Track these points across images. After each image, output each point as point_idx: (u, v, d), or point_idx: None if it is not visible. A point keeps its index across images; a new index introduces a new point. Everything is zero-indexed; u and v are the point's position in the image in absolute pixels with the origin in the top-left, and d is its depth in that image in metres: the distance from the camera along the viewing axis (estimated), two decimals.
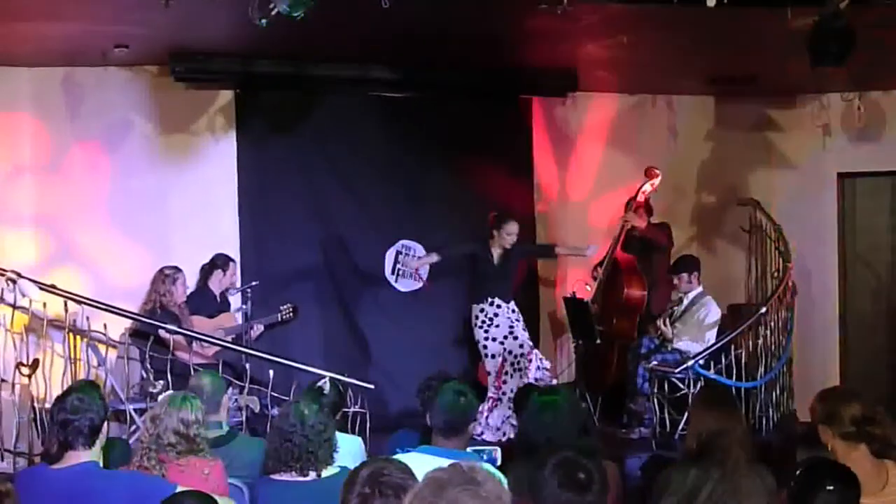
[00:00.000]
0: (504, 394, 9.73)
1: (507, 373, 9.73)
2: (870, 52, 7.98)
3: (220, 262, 9.99)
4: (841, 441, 5.08)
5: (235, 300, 10.12)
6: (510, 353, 9.77)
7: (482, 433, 9.50)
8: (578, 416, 5.59)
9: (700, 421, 5.27)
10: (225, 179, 10.36)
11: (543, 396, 5.44)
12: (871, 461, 4.99)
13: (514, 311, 10.00)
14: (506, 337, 9.82)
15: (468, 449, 5.40)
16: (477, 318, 9.89)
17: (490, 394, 9.79)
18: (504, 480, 4.42)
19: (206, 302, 9.87)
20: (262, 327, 9.82)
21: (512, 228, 9.90)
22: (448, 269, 10.37)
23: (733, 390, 8.97)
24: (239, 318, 9.93)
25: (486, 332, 9.84)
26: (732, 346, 9.66)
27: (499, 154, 11.29)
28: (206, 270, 10.01)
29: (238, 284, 10.10)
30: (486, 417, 9.62)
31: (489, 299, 9.89)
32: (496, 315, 9.87)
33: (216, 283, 9.98)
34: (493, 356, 9.80)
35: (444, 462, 3.22)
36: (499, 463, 5.29)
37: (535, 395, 5.55)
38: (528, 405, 5.46)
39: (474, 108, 11.15)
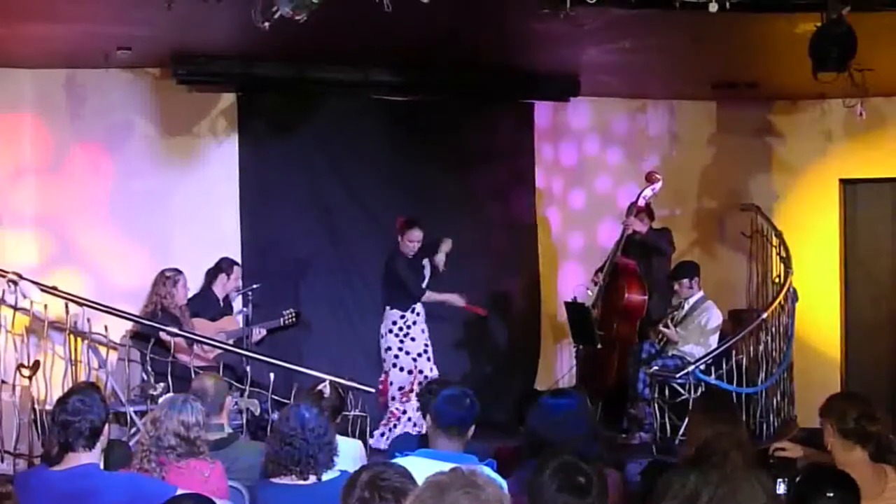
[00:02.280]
0: (405, 412, 9.71)
1: (413, 391, 9.62)
2: (871, 57, 7.98)
3: (224, 265, 9.99)
4: (840, 439, 5.15)
5: (236, 303, 10.12)
6: (420, 372, 9.76)
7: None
8: (590, 420, 5.58)
9: (700, 426, 5.27)
10: (226, 182, 10.37)
11: (557, 397, 5.43)
12: (871, 466, 5.03)
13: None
14: (419, 355, 9.81)
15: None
16: (395, 324, 9.83)
17: (391, 409, 9.75)
18: (504, 484, 4.43)
19: (208, 305, 9.87)
20: (264, 331, 9.81)
21: (414, 235, 9.84)
22: (447, 276, 10.29)
23: (734, 396, 8.99)
24: (240, 321, 9.93)
25: (401, 341, 9.79)
26: (733, 352, 9.67)
27: (500, 158, 11.31)
28: (211, 274, 10.01)
29: (240, 287, 10.10)
30: (386, 437, 9.52)
31: (412, 307, 9.89)
32: (414, 324, 9.87)
33: (220, 287, 9.98)
34: (402, 369, 9.76)
35: (444, 465, 3.22)
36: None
37: (548, 394, 5.54)
38: (540, 404, 5.45)
39: (476, 111, 11.15)
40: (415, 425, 9.45)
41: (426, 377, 9.59)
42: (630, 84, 11.22)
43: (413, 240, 9.81)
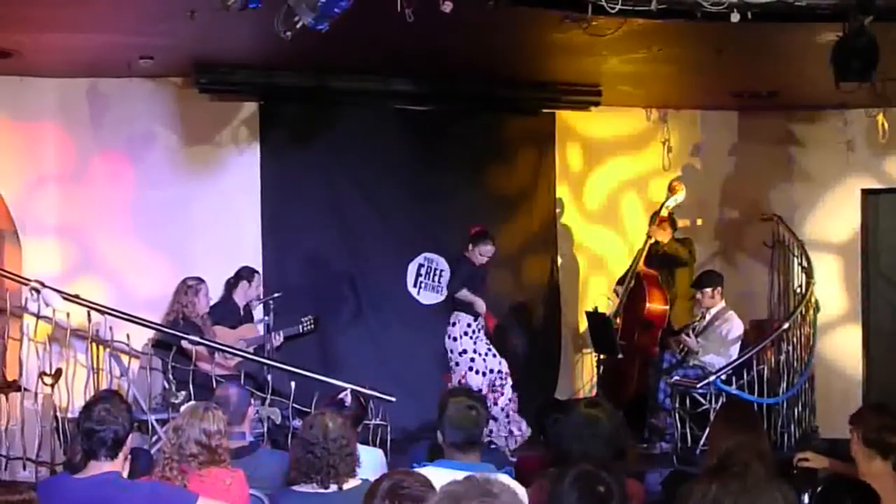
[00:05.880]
0: (502, 409, 9.69)
1: (494, 391, 9.64)
2: (893, 67, 7.95)
3: (245, 273, 10.03)
4: (863, 447, 5.20)
5: (258, 312, 10.14)
6: (491, 371, 9.71)
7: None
8: (619, 437, 5.52)
9: (721, 436, 5.26)
10: (248, 191, 10.40)
11: (588, 409, 5.40)
12: (893, 477, 5.02)
13: None
14: (487, 353, 9.78)
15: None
16: (469, 326, 9.78)
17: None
18: (524, 493, 4.42)
19: (229, 313, 9.91)
20: (281, 338, 9.81)
21: (487, 249, 9.74)
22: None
23: (755, 406, 8.96)
24: (261, 329, 9.94)
25: (475, 343, 9.76)
26: (754, 362, 9.64)
27: (521, 168, 11.32)
28: (232, 282, 10.05)
29: (261, 296, 10.12)
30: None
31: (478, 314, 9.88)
32: (480, 329, 9.84)
33: (241, 295, 10.02)
34: (478, 372, 9.69)
35: (462, 475, 3.21)
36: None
37: (581, 406, 5.50)
38: (570, 416, 5.41)
39: (497, 121, 11.18)
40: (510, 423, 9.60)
41: (500, 371, 9.67)
42: (651, 94, 11.22)
43: (485, 254, 9.77)
